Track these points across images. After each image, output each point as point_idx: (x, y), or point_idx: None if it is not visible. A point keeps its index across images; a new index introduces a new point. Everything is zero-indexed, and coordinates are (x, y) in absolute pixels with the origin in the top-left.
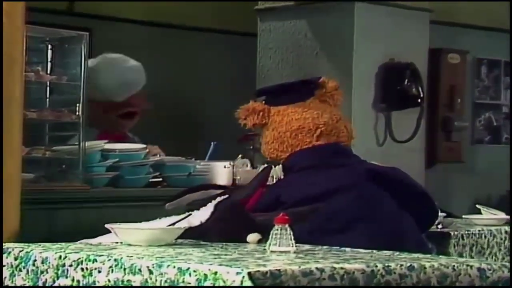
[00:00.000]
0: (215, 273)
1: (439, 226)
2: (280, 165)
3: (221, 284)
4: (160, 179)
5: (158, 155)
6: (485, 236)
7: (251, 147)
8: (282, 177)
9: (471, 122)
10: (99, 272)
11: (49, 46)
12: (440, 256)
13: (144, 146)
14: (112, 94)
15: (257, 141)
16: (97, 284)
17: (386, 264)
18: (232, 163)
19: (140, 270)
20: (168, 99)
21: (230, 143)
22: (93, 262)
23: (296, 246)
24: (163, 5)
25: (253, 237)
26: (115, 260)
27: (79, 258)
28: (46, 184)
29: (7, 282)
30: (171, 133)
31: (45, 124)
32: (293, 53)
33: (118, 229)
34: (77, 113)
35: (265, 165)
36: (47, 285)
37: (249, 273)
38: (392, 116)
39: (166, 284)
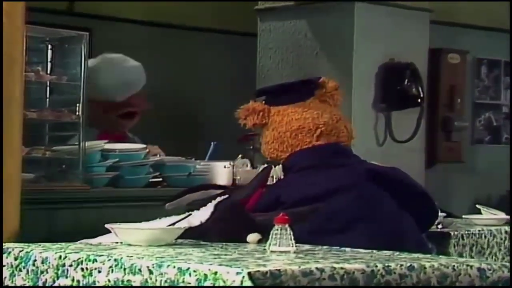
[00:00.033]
0: (215, 273)
1: (439, 226)
2: (280, 165)
3: (221, 284)
4: (160, 179)
5: (158, 155)
6: (485, 236)
7: (251, 147)
8: (282, 177)
9: (471, 122)
10: (99, 272)
11: (49, 46)
12: (440, 256)
13: (144, 146)
14: (112, 94)
15: (257, 141)
16: (97, 284)
17: (386, 264)
18: (232, 163)
19: (140, 270)
20: (168, 99)
21: (230, 143)
22: (93, 262)
23: (296, 246)
24: (163, 5)
25: (253, 237)
26: (115, 260)
27: (79, 258)
28: (46, 184)
29: (7, 282)
30: (171, 133)
31: (45, 124)
32: (293, 53)
33: (118, 229)
34: (77, 113)
35: (265, 165)
36: (47, 285)
37: (249, 273)
38: (392, 116)
39: (166, 284)
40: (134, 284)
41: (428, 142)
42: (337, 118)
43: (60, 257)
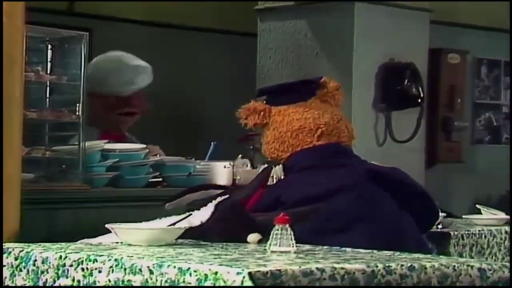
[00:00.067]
0: (216, 273)
1: (439, 226)
2: (281, 165)
3: (222, 284)
4: (160, 179)
5: (158, 155)
6: (485, 236)
7: (251, 147)
8: (282, 177)
9: (471, 122)
10: (100, 272)
11: (49, 46)
12: (441, 256)
13: (144, 146)
14: (118, 88)
15: (257, 141)
16: (98, 284)
17: (387, 264)
18: (232, 163)
19: (140, 270)
20: (168, 99)
21: (230, 143)
22: (93, 262)
23: (296, 246)
24: (163, 5)
25: (253, 237)
26: (115, 260)
27: (80, 258)
28: (46, 184)
29: (7, 282)
30: (171, 133)
31: (45, 124)
32: (293, 53)
33: (118, 229)
34: (77, 113)
35: (266, 165)
36: (47, 285)
37: (249, 273)
38: (392, 116)
39: (167, 284)
40: (134, 284)
41: (428, 142)
42: (338, 118)
43: (60, 257)
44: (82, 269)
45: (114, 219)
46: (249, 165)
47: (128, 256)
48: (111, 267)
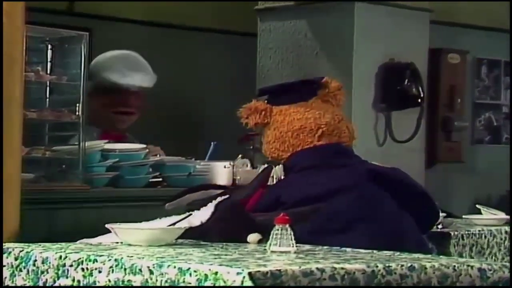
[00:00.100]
0: (216, 273)
1: (439, 226)
2: (281, 165)
3: (222, 284)
4: (160, 179)
5: (158, 155)
6: (485, 236)
7: (251, 147)
8: (282, 177)
9: (471, 122)
10: (100, 272)
11: (49, 46)
12: (441, 256)
13: (144, 146)
14: (119, 77)
15: (257, 141)
16: (98, 284)
17: (387, 265)
18: (232, 163)
19: (140, 270)
20: (168, 99)
21: (230, 143)
22: (93, 262)
23: (296, 246)
24: (163, 5)
25: (253, 237)
26: (115, 260)
27: (80, 258)
28: (46, 184)
29: (7, 282)
30: (171, 133)
31: (45, 124)
32: (293, 53)
33: (118, 229)
34: (77, 113)
35: (266, 165)
36: (47, 285)
37: (249, 273)
38: (392, 116)
39: (167, 284)
40: (134, 284)
41: (428, 142)
42: (339, 119)
43: (60, 257)
44: (82, 269)
45: (114, 219)
46: (249, 165)
47: (128, 256)
48: (111, 267)
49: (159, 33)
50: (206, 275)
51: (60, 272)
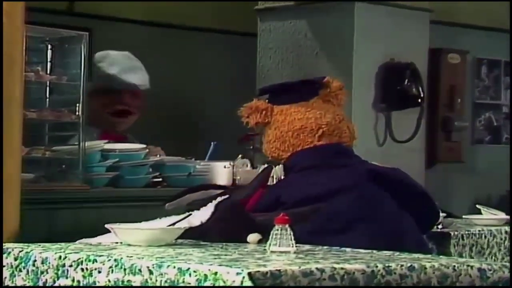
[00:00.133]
0: (215, 273)
1: (439, 226)
2: (281, 165)
3: (221, 284)
4: (160, 179)
5: (158, 155)
6: (485, 236)
7: (251, 147)
8: (282, 177)
9: (471, 122)
10: (99, 272)
11: (49, 46)
12: (441, 256)
13: (144, 146)
14: (115, 78)
15: (257, 141)
16: (97, 284)
17: (387, 265)
18: (232, 163)
19: (140, 270)
20: (168, 99)
21: (230, 143)
22: (93, 263)
23: (296, 246)
24: (163, 5)
25: (253, 237)
26: (115, 260)
27: (79, 259)
28: (46, 184)
29: (7, 282)
30: (171, 133)
31: (45, 124)
32: (293, 53)
33: (118, 229)
34: (77, 113)
35: (266, 165)
36: (47, 285)
37: (249, 274)
38: (392, 116)
39: (166, 285)
40: (134, 285)
41: (428, 142)
42: (340, 119)
43: (60, 257)
44: (82, 270)
45: (114, 219)
46: (249, 165)
47: (127, 256)
48: (110, 267)
49: (159, 33)
50: (205, 275)
51: (59, 272)
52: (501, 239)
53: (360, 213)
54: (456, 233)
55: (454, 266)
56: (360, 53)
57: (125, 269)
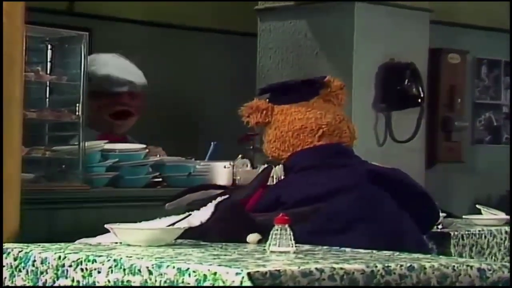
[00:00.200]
0: (215, 273)
1: (439, 226)
2: (281, 165)
3: (221, 284)
4: (160, 179)
5: (158, 155)
6: (485, 236)
7: (251, 147)
8: (282, 177)
9: (471, 122)
10: (99, 272)
11: (49, 46)
12: (440, 256)
13: (144, 146)
14: (111, 83)
15: (257, 141)
16: (97, 285)
17: (386, 265)
18: (232, 163)
19: (139, 270)
20: (168, 99)
21: (230, 143)
22: (92, 263)
23: (296, 246)
24: (163, 5)
25: (253, 237)
26: (114, 260)
27: (79, 259)
28: (46, 184)
29: (7, 282)
30: (171, 133)
31: (45, 124)
32: (293, 53)
33: (118, 229)
34: (77, 113)
35: (266, 165)
36: (47, 285)
37: (248, 274)
38: (392, 116)
39: (166, 285)
40: (133, 285)
41: (428, 142)
42: (340, 119)
43: (59, 257)
44: (82, 270)
45: (114, 219)
46: (249, 165)
47: (127, 257)
48: (110, 267)
49: (159, 33)
50: (205, 276)
51: (59, 272)
52: (501, 239)
53: (360, 213)
54: (456, 233)
55: (454, 266)
56: (360, 53)
57: (124, 269)
